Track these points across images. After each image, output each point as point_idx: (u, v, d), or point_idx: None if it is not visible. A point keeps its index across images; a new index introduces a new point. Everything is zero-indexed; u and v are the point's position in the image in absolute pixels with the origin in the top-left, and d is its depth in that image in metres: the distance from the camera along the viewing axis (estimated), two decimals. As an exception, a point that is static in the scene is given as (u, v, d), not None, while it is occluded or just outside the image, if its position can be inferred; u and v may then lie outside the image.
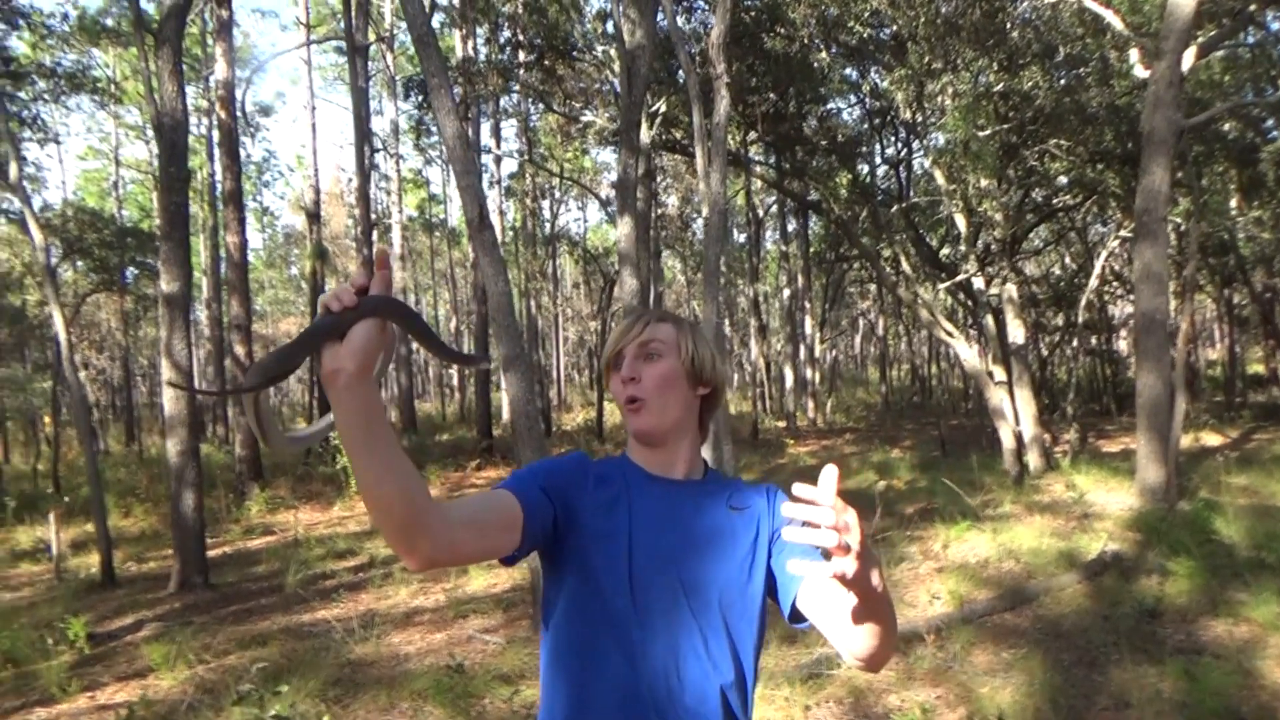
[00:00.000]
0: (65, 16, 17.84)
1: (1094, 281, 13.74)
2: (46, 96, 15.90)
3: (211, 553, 8.47)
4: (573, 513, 1.32)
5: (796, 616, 1.30)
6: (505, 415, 20.72)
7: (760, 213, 25.93)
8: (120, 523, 11.09)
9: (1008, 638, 5.09)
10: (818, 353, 24.78)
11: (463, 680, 4.58)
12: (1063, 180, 14.49)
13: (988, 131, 11.19)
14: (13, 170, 8.84)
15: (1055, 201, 15.71)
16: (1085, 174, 12.98)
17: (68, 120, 33.84)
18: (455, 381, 36.19)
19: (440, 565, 1.19)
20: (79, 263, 19.14)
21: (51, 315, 8.80)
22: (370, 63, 21.91)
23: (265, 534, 10.34)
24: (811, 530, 0.99)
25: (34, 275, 18.23)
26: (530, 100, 19.34)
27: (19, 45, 18.13)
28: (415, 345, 41.35)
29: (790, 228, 25.32)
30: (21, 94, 14.57)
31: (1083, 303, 13.82)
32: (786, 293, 24.82)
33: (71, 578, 8.25)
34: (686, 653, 1.27)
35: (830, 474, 1.01)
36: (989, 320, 12.98)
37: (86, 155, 32.51)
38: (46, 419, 18.17)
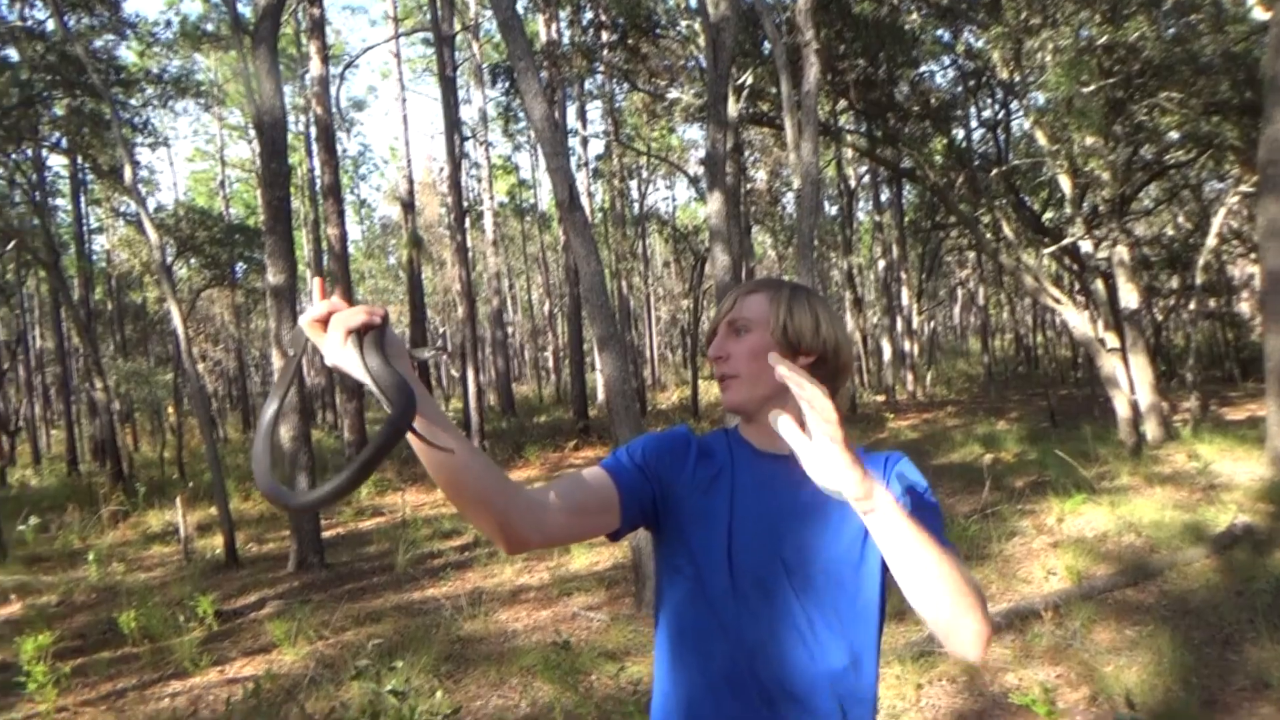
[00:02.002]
0: (169, 24, 18.66)
1: (1212, 240, 12.98)
2: (155, 102, 16.65)
3: (326, 534, 8.81)
4: (672, 492, 1.31)
5: None
6: (601, 396, 20.91)
7: (852, 183, 25.38)
8: (240, 506, 11.63)
9: (1131, 615, 4.87)
10: (915, 324, 24.18)
11: (569, 656, 4.64)
12: (1174, 135, 13.69)
13: (1092, 87, 10.65)
14: (128, 174, 9.30)
15: (1167, 158, 14.87)
16: (1199, 127, 12.22)
17: (175, 124, 35.47)
18: (550, 364, 36.69)
19: (534, 548, 1.22)
20: (192, 260, 20.10)
21: (170, 311, 9.24)
22: (457, 52, 22.23)
23: (375, 515, 10.70)
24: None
25: (152, 273, 19.20)
26: (615, 80, 19.32)
27: (128, 55, 19.06)
28: (511, 329, 41.58)
29: (884, 197, 24.71)
30: (133, 101, 15.28)
31: (1200, 263, 13.08)
32: (881, 264, 24.27)
33: (198, 558, 8.69)
34: (789, 634, 1.24)
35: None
36: (1098, 285, 12.42)
37: (194, 157, 34.07)
38: (170, 409, 19.17)
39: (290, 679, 4.91)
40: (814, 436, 1.02)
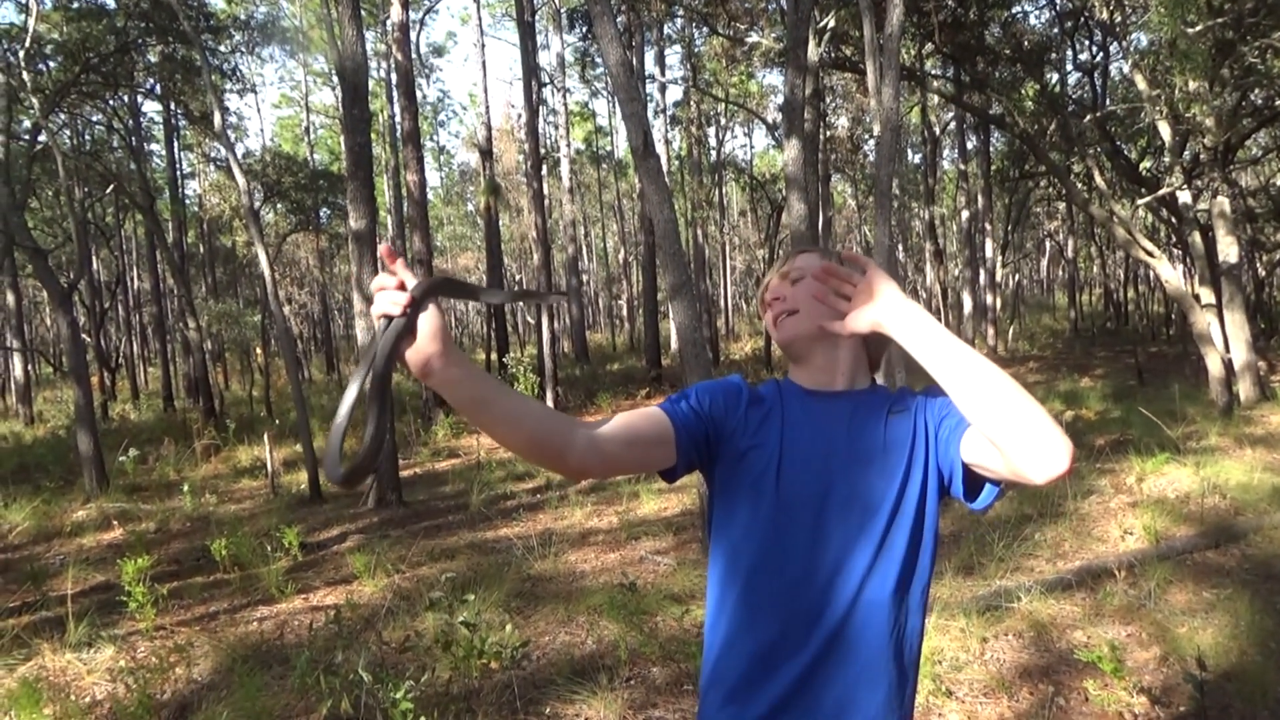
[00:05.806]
0: (256, -30, 18.96)
1: (1324, 191, 12.27)
2: (243, 49, 17.02)
3: (403, 474, 9.09)
4: (724, 433, 1.34)
5: (973, 491, 1.25)
6: (674, 344, 20.95)
7: (936, 130, 24.57)
8: (324, 444, 12.05)
9: (1210, 577, 4.74)
10: (999, 277, 23.50)
11: (635, 598, 4.74)
12: (1288, 78, 12.89)
13: (1198, 27, 10.06)
14: (217, 119, 9.57)
15: (1278, 103, 14.04)
16: (1317, 69, 11.49)
17: (262, 71, 36.13)
18: (624, 312, 36.79)
19: (593, 474, 1.27)
20: (278, 205, 20.63)
21: (258, 254, 9.54)
22: (536, -4, 22.10)
23: (450, 457, 10.98)
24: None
25: (240, 218, 19.77)
26: (694, 24, 18.99)
27: (217, 1, 19.47)
28: (586, 277, 41.83)
29: (970, 145, 23.90)
30: (222, 47, 15.64)
31: (1310, 216, 12.39)
32: (965, 214, 23.54)
33: (284, 493, 9.08)
34: (834, 566, 1.26)
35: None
36: (1196, 238, 11.86)
37: (280, 103, 34.79)
38: (258, 350, 19.88)
39: (369, 608, 5.13)
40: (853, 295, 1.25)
